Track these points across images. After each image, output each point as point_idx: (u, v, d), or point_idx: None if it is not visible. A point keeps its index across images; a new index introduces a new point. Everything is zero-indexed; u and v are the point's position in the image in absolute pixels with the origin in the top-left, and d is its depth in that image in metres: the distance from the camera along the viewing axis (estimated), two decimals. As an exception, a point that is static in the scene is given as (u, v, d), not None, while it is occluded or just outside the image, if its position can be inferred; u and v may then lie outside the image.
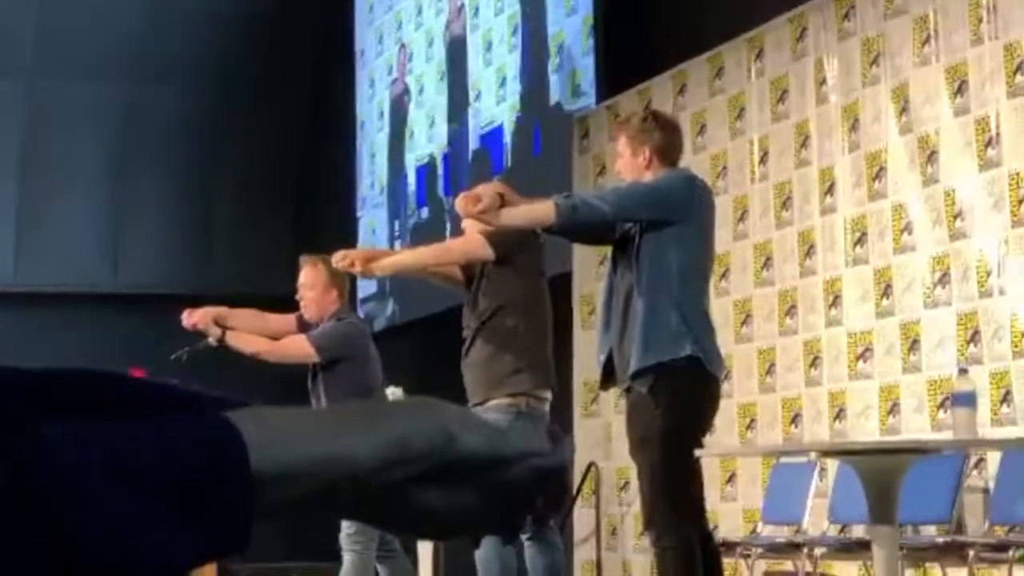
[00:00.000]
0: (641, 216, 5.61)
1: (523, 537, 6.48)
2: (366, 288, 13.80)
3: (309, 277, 7.35)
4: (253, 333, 7.26)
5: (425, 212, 13.43)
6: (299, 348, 7.19)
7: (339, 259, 6.71)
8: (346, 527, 7.16)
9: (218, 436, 0.80)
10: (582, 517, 10.21)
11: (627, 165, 5.79)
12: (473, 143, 12.61)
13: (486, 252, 6.43)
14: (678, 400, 5.48)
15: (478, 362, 6.51)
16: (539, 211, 5.66)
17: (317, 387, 7.25)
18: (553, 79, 11.49)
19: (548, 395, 6.56)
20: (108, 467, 0.76)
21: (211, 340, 7.18)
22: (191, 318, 7.13)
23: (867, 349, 8.01)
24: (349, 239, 13.86)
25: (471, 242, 6.51)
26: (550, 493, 0.94)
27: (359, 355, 7.27)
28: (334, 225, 14.46)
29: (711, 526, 6.15)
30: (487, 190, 5.70)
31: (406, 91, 13.96)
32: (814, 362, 8.37)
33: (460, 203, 5.67)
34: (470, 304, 6.63)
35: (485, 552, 6.48)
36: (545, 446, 0.95)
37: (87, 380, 0.83)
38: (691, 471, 5.56)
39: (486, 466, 0.89)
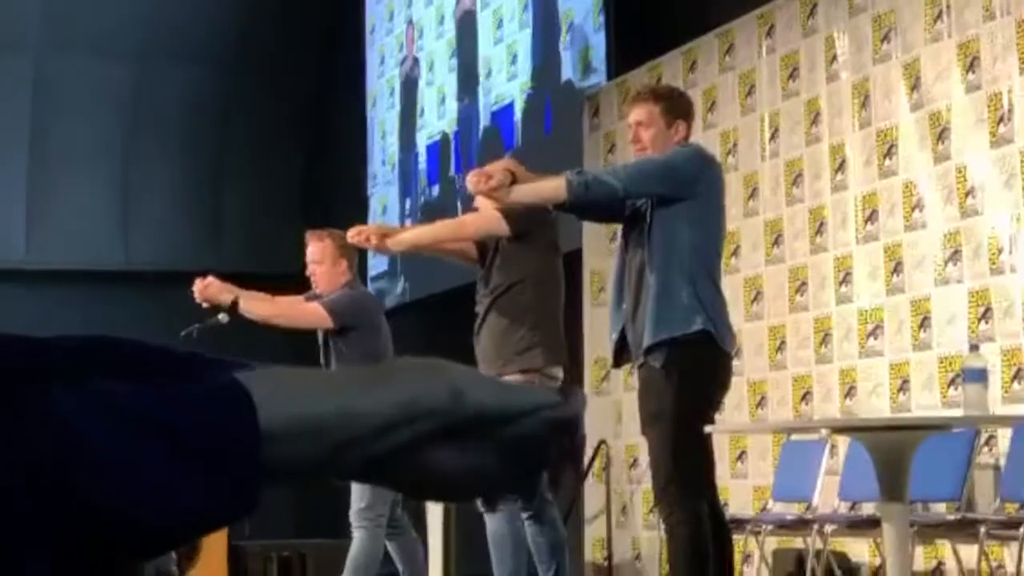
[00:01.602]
0: (653, 192, 5.59)
1: (523, 516, 6.48)
2: (377, 266, 13.81)
3: (316, 251, 7.36)
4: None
5: (436, 190, 13.42)
6: (313, 313, 7.21)
7: (353, 234, 6.72)
8: (356, 503, 7.17)
9: (227, 394, 0.80)
10: (592, 494, 10.22)
11: (658, 136, 5.74)
12: (484, 120, 12.60)
13: (502, 228, 6.42)
14: (690, 376, 5.48)
15: (490, 337, 6.51)
16: (550, 188, 5.66)
17: (328, 356, 7.26)
18: (564, 56, 11.46)
19: (560, 372, 6.56)
20: (117, 428, 0.76)
21: (222, 317, 7.18)
22: (204, 289, 7.11)
23: (878, 326, 8.00)
24: (360, 217, 13.85)
25: (487, 218, 6.51)
26: (564, 446, 0.93)
27: (370, 324, 7.29)
28: (345, 202, 14.46)
29: (721, 503, 6.14)
30: (497, 167, 5.69)
31: (416, 68, 13.94)
32: (824, 339, 8.37)
33: (471, 180, 5.66)
34: (483, 280, 6.63)
35: (497, 528, 6.49)
36: (555, 399, 0.94)
37: (92, 346, 0.84)
38: (702, 447, 5.56)
39: (496, 421, 0.88)
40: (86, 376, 0.80)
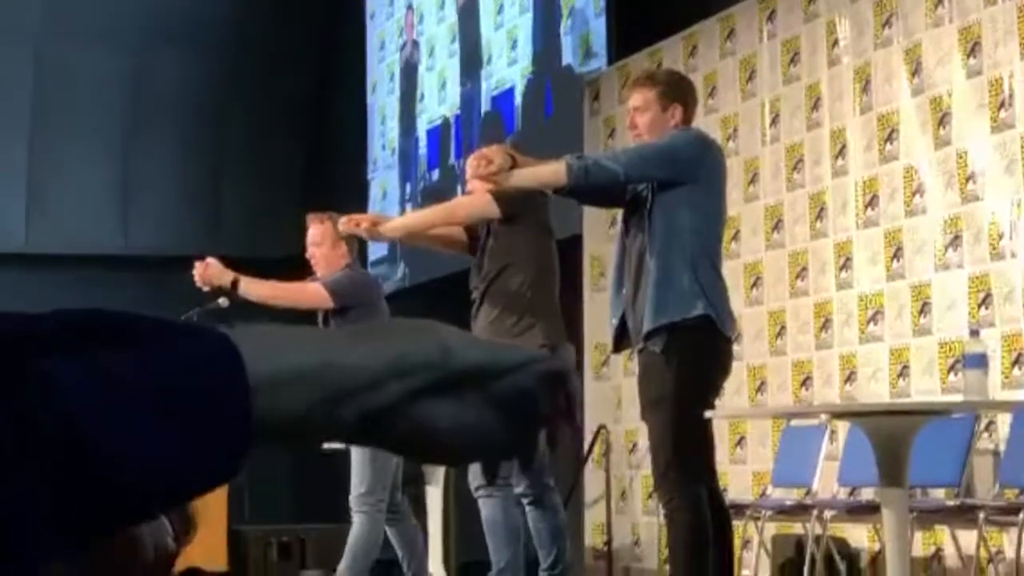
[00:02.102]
0: (653, 176, 5.58)
1: (524, 501, 6.47)
2: (377, 251, 13.80)
3: (317, 233, 7.37)
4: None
5: (436, 174, 13.41)
6: (314, 292, 7.21)
7: (345, 222, 6.73)
8: (356, 488, 7.17)
9: (214, 347, 0.81)
10: (592, 480, 10.22)
11: (655, 121, 5.73)
12: (484, 105, 12.58)
13: (493, 210, 6.40)
14: (691, 361, 5.47)
15: (487, 323, 6.49)
16: (550, 172, 5.65)
17: None
18: (564, 41, 11.45)
19: (569, 348, 6.51)
20: (108, 389, 0.76)
21: (222, 301, 7.17)
22: (204, 271, 7.10)
23: (878, 312, 7.99)
24: (360, 201, 13.85)
25: (477, 200, 6.50)
26: (558, 399, 0.93)
27: (370, 304, 7.30)
28: (345, 187, 14.45)
29: (721, 488, 6.14)
30: (497, 151, 5.69)
31: (416, 53, 13.93)
32: (824, 325, 8.36)
33: (471, 163, 5.66)
34: (476, 267, 6.62)
35: (491, 514, 6.49)
36: (544, 354, 0.95)
37: (85, 318, 0.84)
38: (702, 433, 5.55)
39: (488, 376, 0.88)
40: (78, 343, 0.80)
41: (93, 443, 0.75)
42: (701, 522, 5.47)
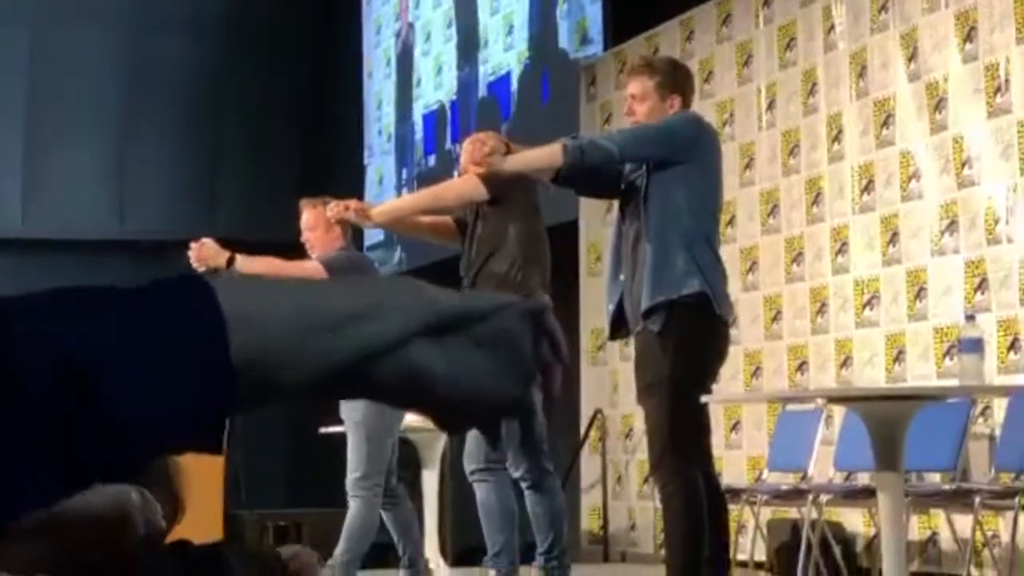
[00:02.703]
0: (648, 155, 5.58)
1: (523, 485, 6.47)
2: (373, 235, 13.79)
3: (310, 218, 7.36)
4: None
5: (432, 160, 13.41)
6: (312, 268, 7.20)
7: (333, 207, 6.74)
8: (352, 472, 7.17)
9: (190, 291, 0.80)
10: (588, 464, 10.24)
11: (653, 110, 5.72)
12: (481, 91, 12.58)
13: (480, 192, 6.38)
14: (687, 344, 5.46)
15: None
16: (547, 154, 5.65)
17: None
18: (561, 26, 11.44)
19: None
20: (93, 337, 0.76)
21: (219, 282, 7.14)
22: (200, 250, 7.10)
23: (873, 296, 8.00)
24: (356, 187, 13.84)
25: (466, 182, 6.48)
26: (543, 334, 0.93)
27: None
28: (341, 172, 14.44)
29: (716, 472, 6.15)
30: (491, 136, 5.70)
31: (412, 39, 13.91)
32: (820, 309, 8.37)
33: (466, 147, 5.66)
34: (466, 252, 6.60)
35: (486, 498, 6.49)
36: (520, 298, 0.95)
37: (57, 294, 0.85)
38: (698, 417, 5.54)
39: (470, 319, 0.88)
40: (64, 306, 0.81)
41: (92, 386, 0.75)
42: (696, 507, 5.48)
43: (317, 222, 7.31)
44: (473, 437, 6.29)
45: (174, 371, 0.77)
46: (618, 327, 5.78)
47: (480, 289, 6.45)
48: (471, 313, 0.89)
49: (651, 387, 5.55)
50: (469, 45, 12.79)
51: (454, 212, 6.75)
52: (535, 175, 6.03)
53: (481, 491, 6.50)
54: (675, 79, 5.78)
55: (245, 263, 7.09)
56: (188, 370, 0.78)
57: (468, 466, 6.53)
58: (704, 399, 5.56)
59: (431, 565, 7.90)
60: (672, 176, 5.53)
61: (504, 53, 12.21)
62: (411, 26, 13.95)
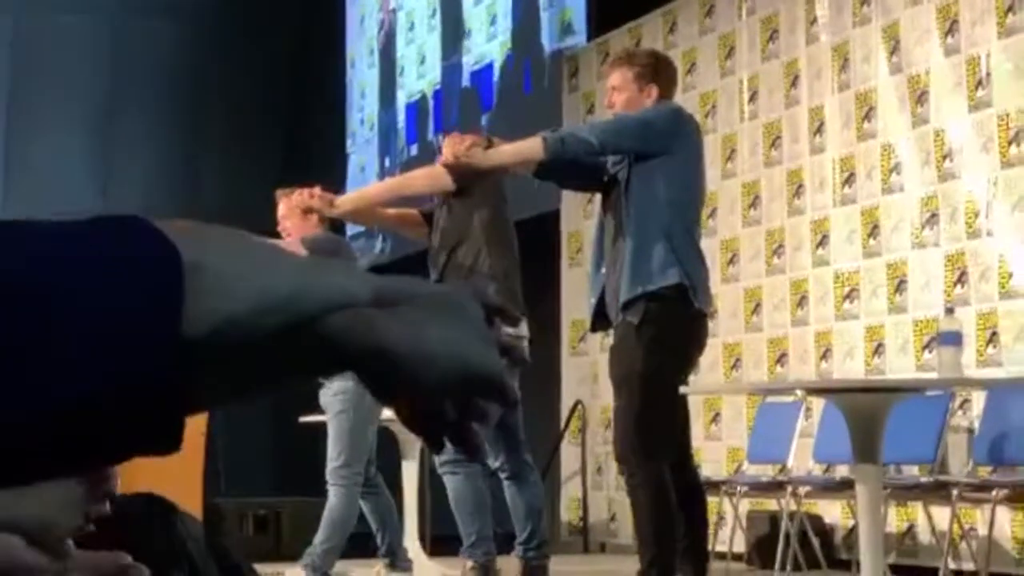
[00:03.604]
0: (628, 146, 5.57)
1: (502, 476, 6.47)
2: (355, 225, 13.77)
3: (285, 207, 7.37)
4: None
5: (415, 149, 13.40)
6: (291, 246, 7.20)
7: (298, 194, 6.76)
8: (332, 461, 7.17)
9: (127, 223, 0.75)
10: (568, 455, 10.25)
11: (631, 101, 5.73)
12: (464, 81, 12.57)
13: (446, 181, 6.37)
14: (663, 334, 5.44)
15: None
16: (527, 147, 5.65)
17: None
18: (544, 17, 11.43)
19: (522, 329, 6.36)
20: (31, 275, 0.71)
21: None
22: None
23: (854, 289, 8.02)
24: (339, 176, 13.83)
25: (431, 172, 6.48)
26: (492, 305, 0.92)
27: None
28: (323, 161, 14.42)
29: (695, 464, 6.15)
30: (471, 136, 5.73)
31: (395, 28, 13.89)
32: (801, 302, 8.39)
33: (447, 143, 5.68)
34: (434, 241, 6.58)
35: (455, 488, 6.46)
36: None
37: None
38: (669, 411, 5.50)
39: (416, 295, 0.85)
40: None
41: (39, 313, 0.70)
42: (663, 499, 5.44)
43: (291, 211, 7.32)
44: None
45: (122, 307, 0.71)
46: (599, 319, 5.78)
47: (448, 281, 6.43)
48: (416, 288, 0.87)
49: (623, 380, 5.54)
50: (452, 35, 12.78)
51: (421, 203, 6.74)
52: (516, 169, 6.03)
53: (451, 483, 6.49)
54: (653, 69, 5.77)
55: None
56: (137, 307, 0.72)
57: (437, 458, 6.52)
58: (683, 390, 5.56)
59: (410, 555, 7.90)
60: (653, 168, 5.53)
61: (487, 43, 12.21)
62: (394, 15, 13.93)
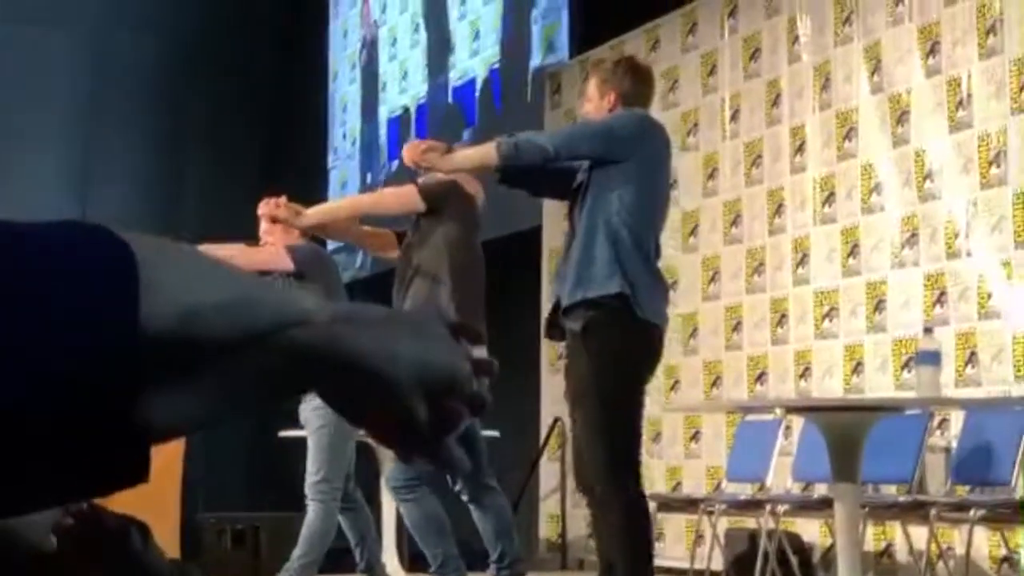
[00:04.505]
0: (584, 152, 5.49)
1: (463, 498, 6.42)
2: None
3: (267, 222, 7.37)
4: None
5: (396, 165, 13.39)
6: (273, 254, 7.18)
7: (263, 205, 6.76)
8: (311, 476, 7.16)
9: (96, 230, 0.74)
10: (547, 472, 10.25)
11: (593, 108, 5.70)
12: (446, 96, 12.58)
13: (416, 201, 6.35)
14: (609, 347, 5.32)
15: None
16: (482, 151, 5.61)
17: None
18: (527, 33, 11.45)
19: (479, 349, 6.28)
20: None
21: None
22: None
23: (833, 308, 8.03)
24: (320, 191, 13.83)
25: (402, 190, 6.47)
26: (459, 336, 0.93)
27: (327, 277, 7.29)
28: (305, 175, 14.42)
29: (675, 482, 6.14)
30: (431, 142, 5.72)
31: (378, 43, 13.90)
32: (781, 320, 8.40)
33: (406, 150, 5.66)
34: (401, 260, 6.55)
35: (411, 515, 6.42)
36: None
37: None
38: (631, 428, 5.38)
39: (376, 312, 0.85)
40: None
41: None
42: (638, 519, 5.36)
43: (273, 226, 7.31)
44: (390, 455, 6.21)
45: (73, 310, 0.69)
46: (554, 327, 5.68)
47: (414, 296, 6.41)
48: (376, 309, 0.86)
49: (579, 397, 5.43)
50: (435, 51, 12.79)
51: (397, 224, 6.72)
52: (475, 173, 6.00)
53: (404, 510, 6.47)
54: (613, 75, 5.69)
55: (207, 253, 7.03)
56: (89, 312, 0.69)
57: (391, 482, 6.49)
58: (665, 408, 5.54)
59: (388, 570, 7.89)
60: (610, 175, 5.42)
61: (470, 59, 12.22)
62: (376, 29, 13.93)
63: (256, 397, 0.82)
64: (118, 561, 1.47)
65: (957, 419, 7.03)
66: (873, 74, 7.91)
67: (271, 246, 7.27)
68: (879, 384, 7.65)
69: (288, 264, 7.17)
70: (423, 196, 6.33)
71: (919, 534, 6.80)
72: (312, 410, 7.00)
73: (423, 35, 13.05)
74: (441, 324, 0.90)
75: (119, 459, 0.71)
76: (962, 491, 6.82)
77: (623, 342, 5.33)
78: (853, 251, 7.94)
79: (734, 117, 8.93)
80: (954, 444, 7.01)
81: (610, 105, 5.61)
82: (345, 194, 13.93)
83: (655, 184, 5.56)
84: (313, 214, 6.70)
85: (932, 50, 7.56)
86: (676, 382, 8.98)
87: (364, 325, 0.84)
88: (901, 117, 7.70)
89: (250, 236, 7.47)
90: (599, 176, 5.44)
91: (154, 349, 0.72)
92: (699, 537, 7.99)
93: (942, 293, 7.36)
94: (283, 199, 6.82)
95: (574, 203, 5.58)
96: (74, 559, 1.39)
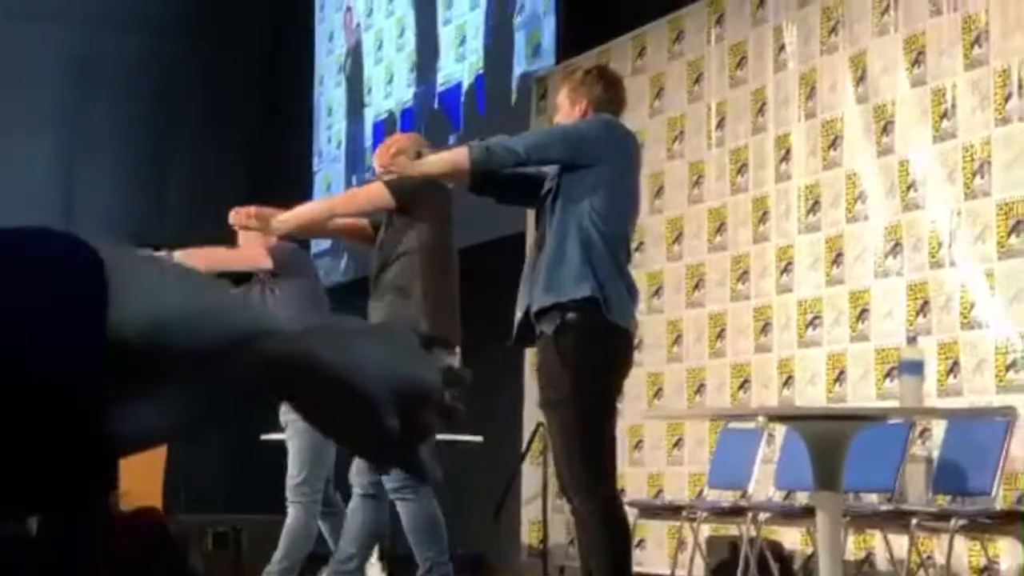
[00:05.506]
0: (554, 156, 5.49)
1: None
2: (320, 243, 13.76)
3: (242, 232, 7.36)
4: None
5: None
6: (253, 253, 7.16)
7: (233, 214, 6.75)
8: (292, 478, 7.16)
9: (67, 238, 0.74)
10: (529, 477, 10.23)
11: (565, 116, 5.70)
12: (432, 101, 12.57)
13: (387, 199, 6.31)
14: (581, 352, 5.30)
15: (377, 318, 6.30)
16: (453, 156, 5.61)
17: (264, 300, 7.18)
18: (513, 39, 11.45)
19: (448, 357, 6.25)
20: None
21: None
22: None
23: (817, 316, 8.05)
24: (305, 193, 13.80)
25: (373, 189, 6.42)
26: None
27: (306, 275, 7.28)
28: (290, 178, 14.40)
29: (657, 489, 6.14)
30: (404, 138, 5.69)
31: (363, 46, 13.89)
32: (764, 328, 8.41)
33: (377, 153, 5.66)
34: (374, 257, 6.53)
35: (410, 515, 6.41)
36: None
37: None
38: (605, 433, 5.37)
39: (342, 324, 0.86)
40: None
41: None
42: (618, 524, 5.36)
43: (248, 236, 7.30)
44: (357, 460, 6.16)
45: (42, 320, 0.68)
46: (524, 333, 5.61)
47: (377, 297, 6.39)
48: (346, 321, 0.86)
49: (553, 404, 5.41)
50: (420, 55, 12.78)
51: (374, 215, 6.68)
52: (447, 179, 5.96)
53: (404, 510, 6.43)
54: (583, 84, 5.69)
55: (186, 256, 6.99)
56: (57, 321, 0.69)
57: (388, 486, 6.44)
58: (647, 416, 5.53)
59: (368, 575, 7.88)
60: (579, 179, 5.42)
61: (456, 64, 12.22)
62: (361, 33, 13.93)
63: (228, 407, 0.82)
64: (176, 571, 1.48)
65: (939, 428, 7.05)
66: (859, 83, 7.93)
67: (250, 248, 7.25)
68: (862, 393, 7.66)
69: (267, 263, 7.16)
70: (392, 193, 6.27)
71: (900, 543, 6.81)
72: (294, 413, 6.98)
73: (409, 39, 13.05)
74: (413, 336, 0.90)
75: (87, 466, 0.71)
76: (943, 500, 6.83)
77: (595, 347, 5.33)
78: (837, 260, 7.95)
79: (720, 125, 8.94)
80: (936, 453, 7.02)
81: (581, 114, 5.62)
82: (330, 196, 13.91)
83: (625, 188, 5.57)
84: (286, 219, 6.64)
85: (917, 60, 7.57)
86: (659, 389, 8.98)
87: (336, 337, 0.84)
88: (886, 127, 7.72)
89: (235, 238, 7.47)
90: (569, 181, 5.44)
91: (122, 356, 0.71)
92: (681, 544, 7.99)
93: (925, 303, 7.38)
94: (252, 209, 6.78)
95: (542, 210, 5.58)
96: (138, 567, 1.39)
